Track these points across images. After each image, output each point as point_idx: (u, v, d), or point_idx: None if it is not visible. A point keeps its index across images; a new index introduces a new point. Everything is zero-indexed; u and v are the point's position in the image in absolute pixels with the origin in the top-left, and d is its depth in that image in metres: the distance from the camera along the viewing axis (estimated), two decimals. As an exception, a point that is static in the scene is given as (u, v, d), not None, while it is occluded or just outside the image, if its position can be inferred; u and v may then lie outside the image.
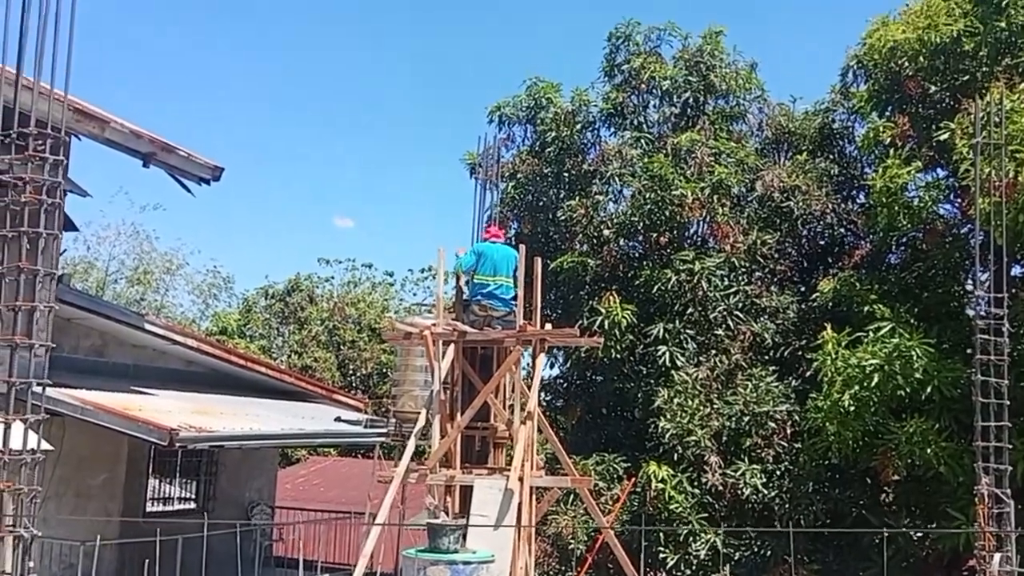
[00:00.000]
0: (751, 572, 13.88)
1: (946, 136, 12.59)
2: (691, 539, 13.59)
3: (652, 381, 14.92)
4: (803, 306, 15.36)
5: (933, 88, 13.89)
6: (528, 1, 60.31)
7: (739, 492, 13.86)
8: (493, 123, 17.51)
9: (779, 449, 14.13)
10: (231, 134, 58.81)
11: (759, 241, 15.41)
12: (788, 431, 14.19)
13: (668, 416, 14.14)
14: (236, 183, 58.16)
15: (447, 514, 9.14)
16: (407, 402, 12.17)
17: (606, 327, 14.50)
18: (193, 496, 14.38)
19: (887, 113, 14.52)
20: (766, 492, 13.88)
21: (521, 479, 9.10)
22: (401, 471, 9.47)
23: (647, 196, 15.39)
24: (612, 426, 16.07)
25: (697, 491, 13.96)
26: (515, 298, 10.43)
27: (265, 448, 14.87)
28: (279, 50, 63.31)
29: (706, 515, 13.95)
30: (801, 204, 15.56)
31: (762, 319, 15.20)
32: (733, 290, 15.04)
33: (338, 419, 14.84)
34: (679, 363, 14.64)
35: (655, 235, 15.74)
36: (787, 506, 13.95)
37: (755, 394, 14.26)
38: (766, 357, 15.15)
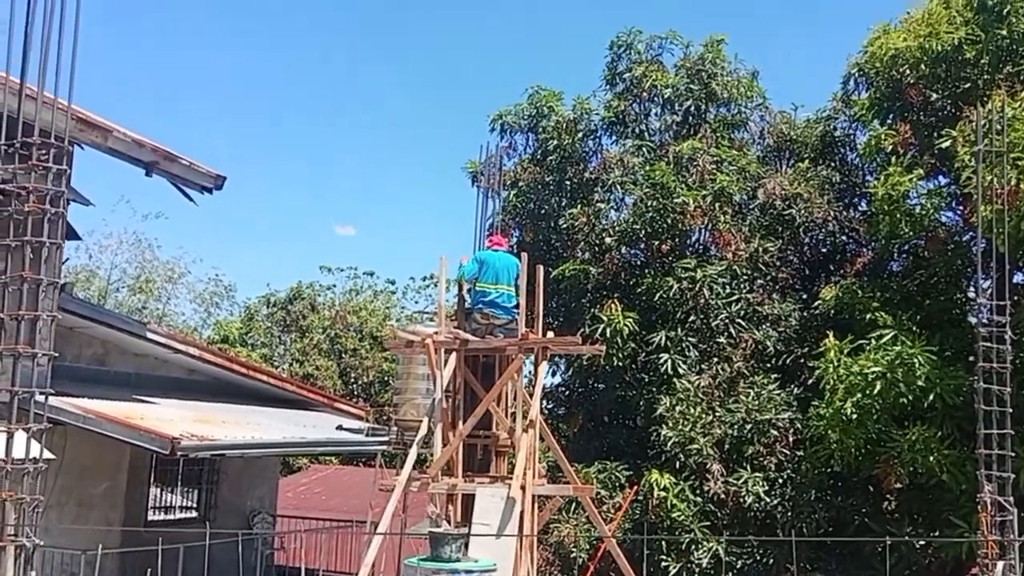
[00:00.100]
0: (754, 581, 13.85)
1: (948, 144, 12.60)
2: (693, 547, 13.55)
3: (654, 389, 14.90)
4: (805, 314, 15.34)
5: (935, 96, 13.90)
6: (529, 12, 60.46)
7: (741, 500, 13.83)
8: (495, 131, 17.56)
9: (781, 457, 14.10)
10: (232, 142, 58.93)
11: (761, 249, 15.40)
12: (790, 439, 14.16)
13: (670, 424, 14.13)
14: (237, 192, 58.31)
15: (449, 523, 9.12)
16: (409, 410, 12.16)
17: (608, 335, 14.49)
18: (195, 505, 14.36)
19: (889, 121, 14.53)
20: (768, 500, 13.85)
21: (523, 487, 9.09)
22: (403, 480, 9.46)
23: (649, 204, 15.40)
24: (614, 434, 16.05)
25: (699, 499, 13.93)
26: (517, 306, 10.42)
27: (267, 457, 14.87)
28: (280, 59, 63.47)
29: (708, 523, 13.91)
30: (803, 212, 15.56)
31: (764, 327, 15.19)
32: (735, 298, 15.03)
33: (340, 427, 14.83)
34: (681, 371, 14.63)
35: (657, 243, 15.73)
36: (789, 514, 13.91)
37: (757, 402, 14.24)
38: (768, 365, 15.14)
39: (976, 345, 8.99)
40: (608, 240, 15.88)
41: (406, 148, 66.71)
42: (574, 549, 14.07)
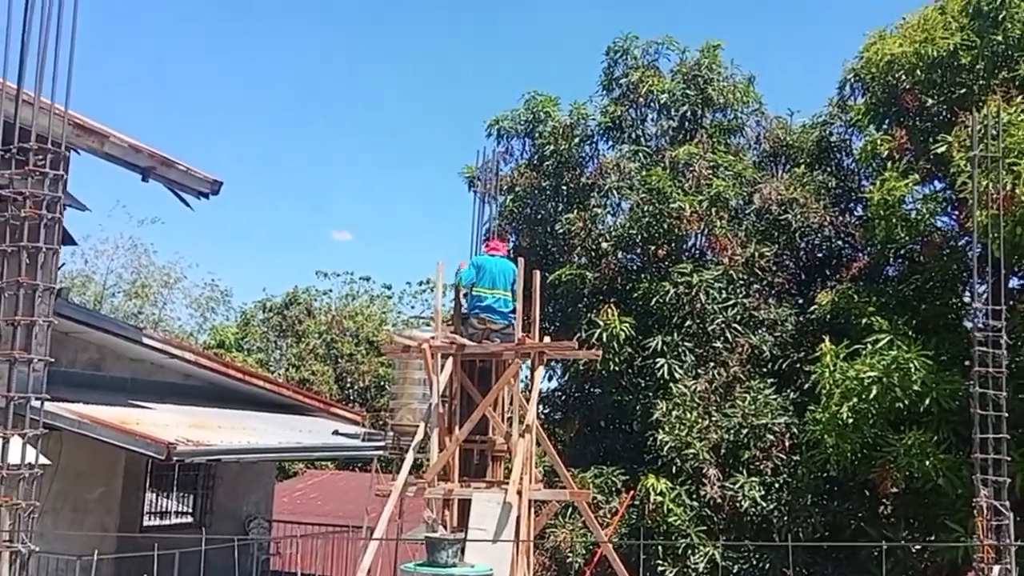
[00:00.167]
0: (750, 585, 13.85)
1: (943, 149, 12.64)
2: (690, 552, 13.55)
3: (650, 394, 14.92)
4: (801, 318, 15.37)
5: (930, 101, 13.94)
6: (526, 18, 60.55)
7: (738, 505, 13.84)
8: (491, 137, 17.59)
9: (777, 462, 14.12)
10: (228, 147, 58.90)
11: (757, 254, 15.44)
12: (786, 443, 14.18)
13: (666, 429, 14.14)
14: (234, 196, 58.32)
15: (445, 528, 9.12)
16: (405, 415, 12.17)
17: (604, 340, 14.50)
18: (190, 510, 14.34)
19: (884, 126, 14.56)
20: (765, 505, 13.86)
21: (520, 492, 9.08)
22: (399, 485, 9.44)
23: (645, 209, 15.42)
24: (610, 439, 16.05)
25: (696, 504, 13.94)
26: (514, 311, 10.43)
27: (263, 462, 14.83)
28: (277, 62, 63.49)
29: (705, 528, 13.93)
30: (799, 217, 15.59)
31: (760, 331, 15.21)
32: (731, 302, 15.05)
33: (336, 432, 14.81)
34: (677, 375, 14.65)
35: (653, 248, 15.75)
36: (786, 519, 13.92)
37: (753, 406, 14.26)
38: (764, 369, 15.16)
39: (972, 350, 9.01)
40: (604, 245, 15.90)
41: (403, 153, 66.74)
42: (570, 554, 14.07)
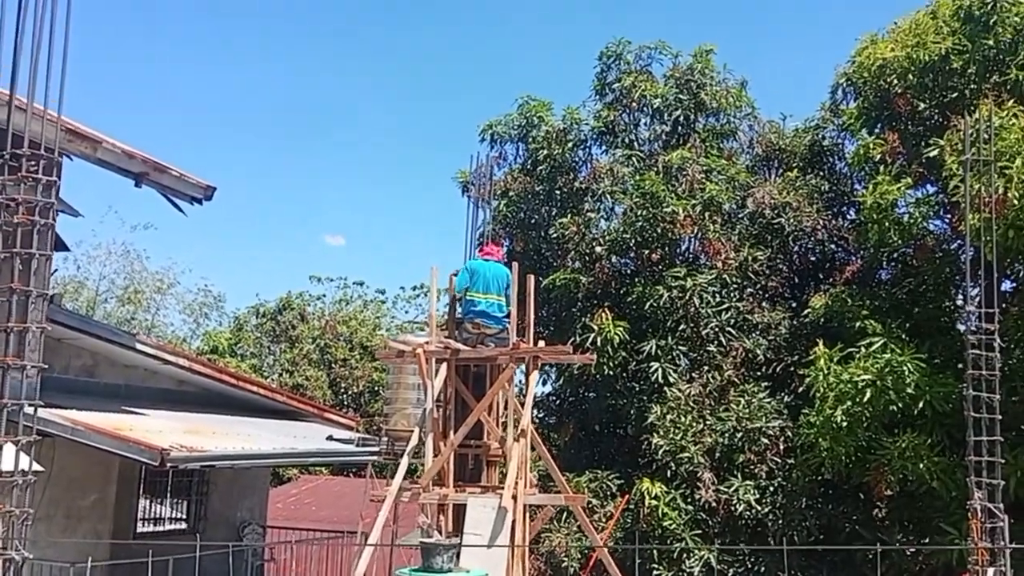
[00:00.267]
0: (745, 589, 13.86)
1: (935, 153, 12.68)
2: (685, 556, 13.55)
3: (645, 398, 14.92)
4: (795, 322, 15.39)
5: (922, 105, 13.99)
6: (520, 22, 60.63)
7: (732, 508, 13.85)
8: (485, 141, 17.62)
9: (772, 465, 14.13)
10: (220, 152, 58.84)
11: (750, 257, 15.47)
12: (781, 447, 14.19)
13: (661, 433, 14.15)
14: (226, 202, 58.17)
15: (440, 533, 9.10)
16: (399, 420, 12.16)
17: (598, 344, 14.51)
18: (184, 516, 14.28)
19: (877, 130, 14.61)
20: (759, 508, 13.87)
21: (515, 497, 9.09)
22: (394, 490, 9.44)
23: (639, 213, 15.44)
24: (605, 443, 16.06)
25: (690, 508, 13.94)
26: (508, 316, 10.44)
27: (257, 467, 14.79)
28: (269, 68, 63.45)
29: (700, 532, 13.92)
30: (792, 220, 15.63)
31: (754, 335, 15.23)
32: (725, 306, 15.07)
33: (330, 438, 14.79)
34: (672, 379, 14.66)
35: (647, 252, 15.77)
36: (780, 522, 13.94)
37: (748, 410, 14.27)
38: (758, 373, 15.17)
39: (965, 352, 9.02)
40: (598, 249, 15.91)
41: (395, 157, 66.78)
42: (566, 558, 14.06)
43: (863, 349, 12.77)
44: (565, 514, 13.87)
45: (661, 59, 17.36)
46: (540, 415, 16.41)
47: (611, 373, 14.84)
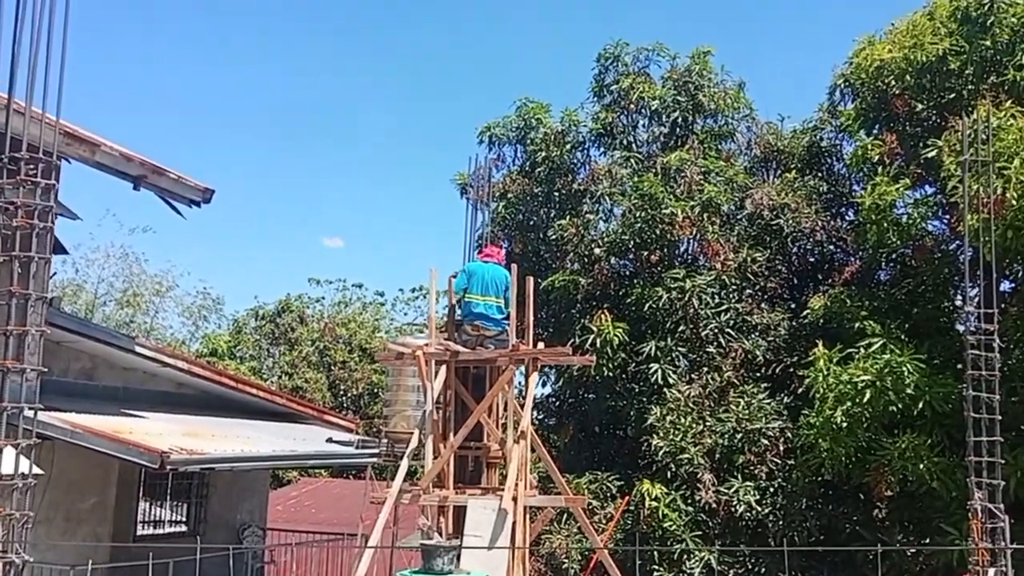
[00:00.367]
0: (745, 590, 13.86)
1: (933, 154, 12.69)
2: (685, 557, 13.55)
3: (644, 399, 14.93)
4: (794, 323, 15.40)
5: (920, 106, 14.00)
6: (518, 24, 60.65)
7: (733, 509, 13.85)
8: (483, 143, 17.64)
9: (772, 466, 14.14)
10: (218, 153, 58.84)
11: (749, 259, 15.48)
12: (781, 448, 14.20)
13: (661, 434, 14.15)
14: (225, 203, 58.08)
15: (440, 535, 9.09)
16: (399, 422, 12.14)
17: (598, 345, 14.52)
18: (184, 519, 14.27)
19: (875, 131, 14.62)
20: (759, 509, 13.87)
21: (515, 499, 9.08)
22: (394, 492, 9.43)
23: (637, 215, 15.45)
24: (605, 444, 16.06)
25: (691, 509, 13.94)
26: (507, 317, 10.43)
27: (256, 470, 14.78)
28: (269, 73, 63.45)
29: (700, 533, 13.92)
30: (791, 222, 15.64)
31: (753, 336, 15.24)
32: (724, 307, 15.08)
33: (330, 440, 14.77)
34: (671, 381, 14.66)
35: (646, 253, 15.78)
36: (781, 523, 13.94)
37: (747, 411, 14.28)
38: (758, 374, 15.18)
39: (964, 353, 9.03)
40: (597, 251, 15.92)
41: (395, 158, 66.79)
42: (566, 560, 14.06)
43: (862, 350, 12.78)
44: (565, 516, 13.87)
45: (659, 61, 17.41)
46: (540, 416, 16.41)
47: (611, 374, 14.85)
